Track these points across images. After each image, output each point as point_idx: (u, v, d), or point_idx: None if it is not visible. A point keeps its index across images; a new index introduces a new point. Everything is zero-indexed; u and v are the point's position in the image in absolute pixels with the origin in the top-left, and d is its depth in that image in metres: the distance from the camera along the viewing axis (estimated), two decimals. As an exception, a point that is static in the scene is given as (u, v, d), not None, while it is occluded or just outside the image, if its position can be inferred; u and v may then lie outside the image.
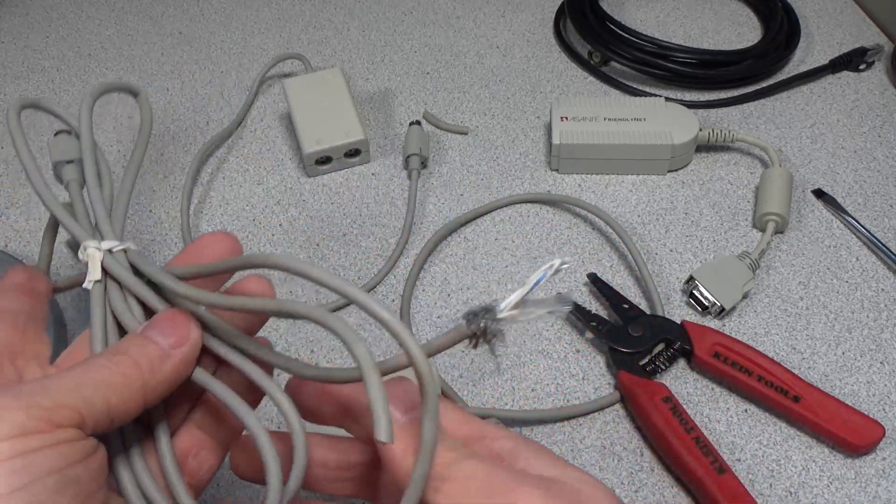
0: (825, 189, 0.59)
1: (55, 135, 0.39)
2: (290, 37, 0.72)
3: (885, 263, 0.55)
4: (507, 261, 0.56)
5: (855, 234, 0.56)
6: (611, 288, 0.53)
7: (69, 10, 0.76)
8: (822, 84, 0.67)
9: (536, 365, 0.51)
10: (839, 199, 0.58)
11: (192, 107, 0.67)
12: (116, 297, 0.31)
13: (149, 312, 0.31)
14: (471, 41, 0.72)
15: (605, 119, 0.60)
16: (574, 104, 0.61)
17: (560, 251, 0.56)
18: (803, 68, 0.67)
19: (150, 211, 0.60)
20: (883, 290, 0.53)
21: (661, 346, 0.50)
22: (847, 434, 0.45)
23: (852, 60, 0.67)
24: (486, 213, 0.59)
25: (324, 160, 0.60)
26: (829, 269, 0.55)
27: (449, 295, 0.54)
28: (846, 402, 0.47)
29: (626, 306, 0.52)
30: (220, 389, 0.29)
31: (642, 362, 0.49)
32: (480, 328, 0.26)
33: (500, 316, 0.26)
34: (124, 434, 0.29)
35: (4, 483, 0.22)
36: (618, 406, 0.49)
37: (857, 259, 0.55)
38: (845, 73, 0.68)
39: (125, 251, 0.32)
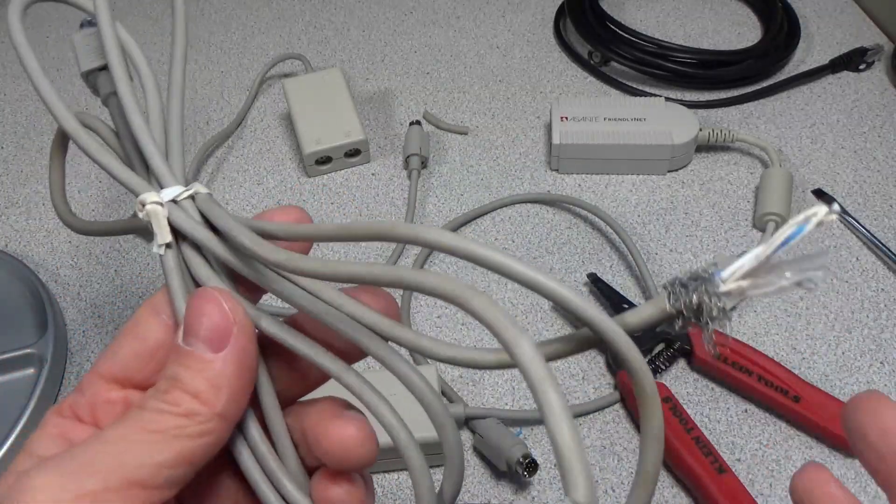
0: (825, 189, 0.59)
1: (79, 27, 0.30)
2: (290, 37, 0.72)
3: (885, 263, 0.55)
4: (507, 261, 0.56)
5: (855, 234, 0.56)
6: (611, 288, 0.53)
7: (69, 10, 0.76)
8: (822, 84, 0.67)
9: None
10: (839, 199, 0.58)
11: (192, 107, 0.67)
12: (197, 261, 0.24)
13: (236, 277, 0.25)
14: (471, 41, 0.72)
15: (605, 119, 0.60)
16: (574, 104, 0.61)
17: (560, 251, 0.56)
18: (803, 68, 0.67)
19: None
20: (883, 290, 0.53)
21: (661, 346, 0.50)
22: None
23: (852, 60, 0.67)
24: (486, 213, 0.59)
25: (324, 160, 0.60)
26: (829, 269, 0.55)
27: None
28: (846, 402, 0.47)
29: (626, 306, 0.52)
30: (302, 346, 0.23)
31: (642, 362, 0.49)
32: (691, 305, 0.18)
33: (721, 289, 0.18)
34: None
35: None
36: (618, 406, 0.49)
37: (857, 259, 0.55)
38: (845, 73, 0.68)
39: (193, 197, 0.25)
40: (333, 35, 0.73)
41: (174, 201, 0.25)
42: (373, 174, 0.61)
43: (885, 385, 0.49)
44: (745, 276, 0.18)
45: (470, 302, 0.19)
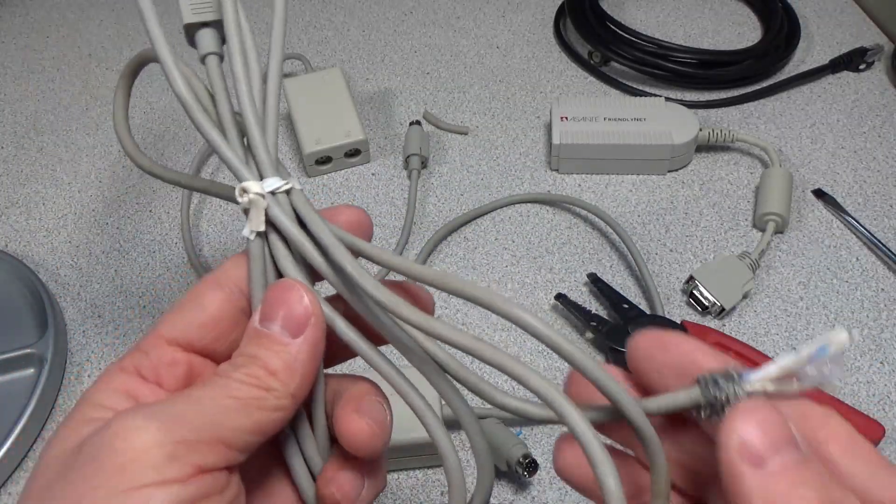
0: (825, 189, 0.59)
1: None
2: (290, 37, 0.72)
3: (885, 263, 0.55)
4: (507, 261, 0.56)
5: (855, 234, 0.56)
6: (611, 288, 0.53)
7: (69, 10, 0.76)
8: (822, 84, 0.67)
9: (536, 365, 0.50)
10: (839, 199, 0.58)
11: (192, 107, 0.67)
12: (283, 254, 0.25)
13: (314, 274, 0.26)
14: (471, 41, 0.72)
15: (605, 119, 0.60)
16: (574, 104, 0.61)
17: (560, 251, 0.56)
18: (803, 68, 0.67)
19: (150, 211, 0.60)
20: (883, 290, 0.53)
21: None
22: (847, 434, 0.45)
23: (852, 60, 0.67)
24: (486, 213, 0.59)
25: (324, 160, 0.60)
26: (829, 269, 0.55)
27: (449, 295, 0.54)
28: (846, 402, 0.47)
29: (626, 306, 0.52)
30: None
31: (642, 362, 0.49)
32: (720, 399, 0.21)
33: (748, 389, 0.21)
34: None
35: None
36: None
37: (857, 259, 0.55)
38: (845, 73, 0.68)
39: (288, 192, 0.26)
40: (333, 35, 0.73)
41: (272, 193, 0.25)
42: (373, 174, 0.61)
43: (885, 385, 0.49)
44: (773, 379, 0.21)
45: (529, 380, 0.22)
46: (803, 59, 0.69)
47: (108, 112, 0.66)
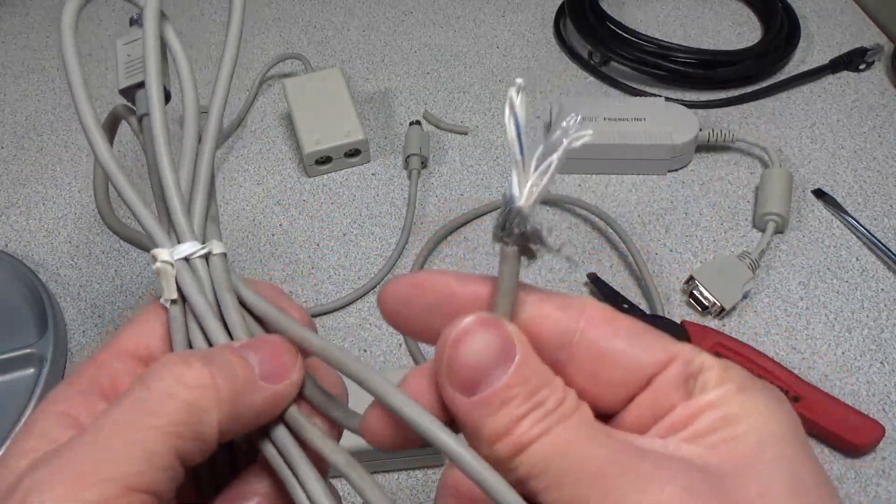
0: (825, 189, 0.59)
1: (129, 24, 0.28)
2: (290, 37, 0.72)
3: (885, 263, 0.55)
4: (507, 261, 0.56)
5: (855, 234, 0.56)
6: (611, 288, 0.53)
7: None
8: (822, 84, 0.67)
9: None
10: (839, 199, 0.58)
11: (192, 107, 0.67)
12: (195, 327, 0.24)
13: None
14: (471, 41, 0.72)
15: (605, 119, 0.60)
16: (574, 104, 0.61)
17: (560, 251, 0.56)
18: (803, 68, 0.67)
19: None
20: (883, 290, 0.53)
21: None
22: (847, 434, 0.45)
23: (852, 60, 0.67)
24: (486, 213, 0.59)
25: (324, 160, 0.60)
26: (829, 269, 0.55)
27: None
28: (846, 402, 0.47)
29: (626, 306, 0.52)
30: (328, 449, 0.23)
31: (642, 362, 0.49)
32: (524, 236, 0.20)
33: (527, 210, 0.20)
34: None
35: None
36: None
37: (857, 259, 0.55)
38: (845, 73, 0.67)
39: (206, 257, 0.25)
40: (333, 35, 0.73)
41: (186, 259, 0.25)
42: (373, 174, 0.61)
43: (885, 385, 0.49)
44: (534, 182, 0.20)
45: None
46: (803, 59, 0.69)
47: (108, 112, 0.66)
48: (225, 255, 0.25)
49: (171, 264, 0.24)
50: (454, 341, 0.20)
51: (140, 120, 0.27)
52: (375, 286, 0.55)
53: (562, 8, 0.73)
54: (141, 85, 0.27)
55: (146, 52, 0.26)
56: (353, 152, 0.61)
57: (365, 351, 0.51)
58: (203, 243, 0.25)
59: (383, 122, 0.65)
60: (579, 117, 0.20)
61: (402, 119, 0.65)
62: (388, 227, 0.58)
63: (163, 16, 0.28)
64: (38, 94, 0.68)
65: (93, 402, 0.23)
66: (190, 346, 0.24)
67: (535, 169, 0.20)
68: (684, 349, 0.21)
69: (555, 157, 0.20)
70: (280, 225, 0.59)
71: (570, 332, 0.21)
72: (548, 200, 0.59)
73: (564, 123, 0.20)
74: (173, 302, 0.24)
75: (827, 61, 0.67)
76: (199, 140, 0.27)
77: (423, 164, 0.61)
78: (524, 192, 0.20)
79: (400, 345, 0.52)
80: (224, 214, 0.59)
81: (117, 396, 0.22)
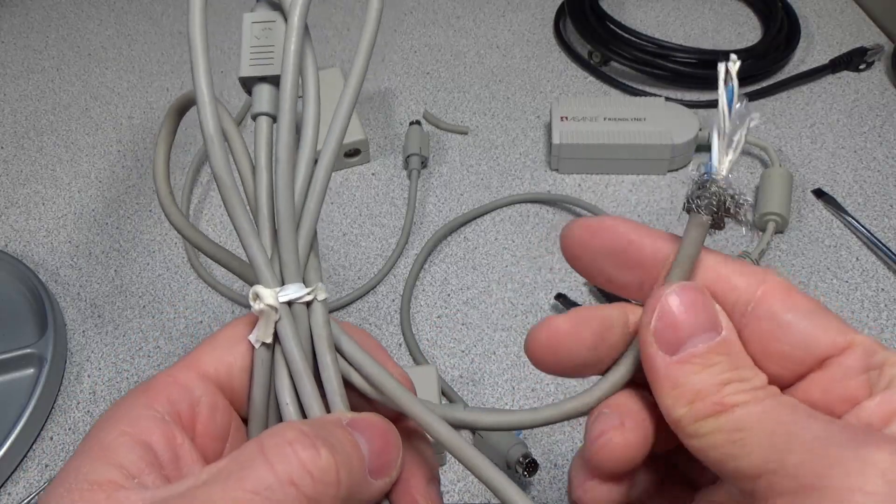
0: (825, 189, 0.59)
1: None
2: (290, 37, 0.72)
3: (885, 263, 0.55)
4: (507, 261, 0.56)
5: (855, 234, 0.56)
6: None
7: (69, 10, 0.76)
8: (822, 84, 0.67)
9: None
10: (839, 199, 0.58)
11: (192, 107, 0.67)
12: (283, 374, 0.22)
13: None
14: (471, 41, 0.72)
15: (605, 119, 0.60)
16: (574, 104, 0.61)
17: (560, 251, 0.56)
18: (803, 68, 0.67)
19: (150, 211, 0.60)
20: (883, 290, 0.53)
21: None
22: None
23: (852, 60, 0.67)
24: (486, 213, 0.59)
25: (324, 160, 0.60)
26: (829, 269, 0.55)
27: (449, 295, 0.54)
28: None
29: (626, 306, 0.51)
30: None
31: (642, 362, 0.49)
32: (721, 206, 0.21)
33: (724, 182, 0.21)
34: None
35: None
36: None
37: (857, 259, 0.55)
38: (845, 73, 0.68)
39: (308, 305, 0.23)
40: (333, 35, 0.73)
41: (290, 303, 0.22)
42: (373, 174, 0.61)
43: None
44: (727, 152, 0.21)
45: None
46: (803, 59, 0.69)
47: (108, 112, 0.66)
48: (326, 301, 0.23)
49: (275, 308, 0.22)
50: (665, 301, 0.21)
51: (255, 117, 0.24)
52: (375, 286, 0.55)
53: (562, 8, 0.73)
54: (264, 79, 0.24)
55: (288, 43, 0.23)
56: (353, 152, 0.61)
57: (365, 351, 0.51)
58: (307, 286, 0.23)
59: (383, 121, 0.65)
60: (746, 100, 0.21)
61: (402, 119, 0.65)
62: (387, 227, 0.58)
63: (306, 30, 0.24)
64: (38, 94, 0.68)
65: (172, 432, 0.20)
66: (273, 391, 0.22)
67: (725, 149, 0.21)
68: (864, 338, 0.20)
69: (741, 134, 0.21)
70: (280, 225, 0.59)
71: (747, 299, 0.21)
72: (548, 200, 0.59)
73: (738, 105, 0.21)
74: (265, 345, 0.22)
75: (827, 61, 0.67)
76: (315, 164, 0.24)
77: (423, 164, 0.61)
78: (724, 165, 0.21)
79: (400, 345, 0.52)
80: (224, 214, 0.59)
81: (200, 429, 0.21)
